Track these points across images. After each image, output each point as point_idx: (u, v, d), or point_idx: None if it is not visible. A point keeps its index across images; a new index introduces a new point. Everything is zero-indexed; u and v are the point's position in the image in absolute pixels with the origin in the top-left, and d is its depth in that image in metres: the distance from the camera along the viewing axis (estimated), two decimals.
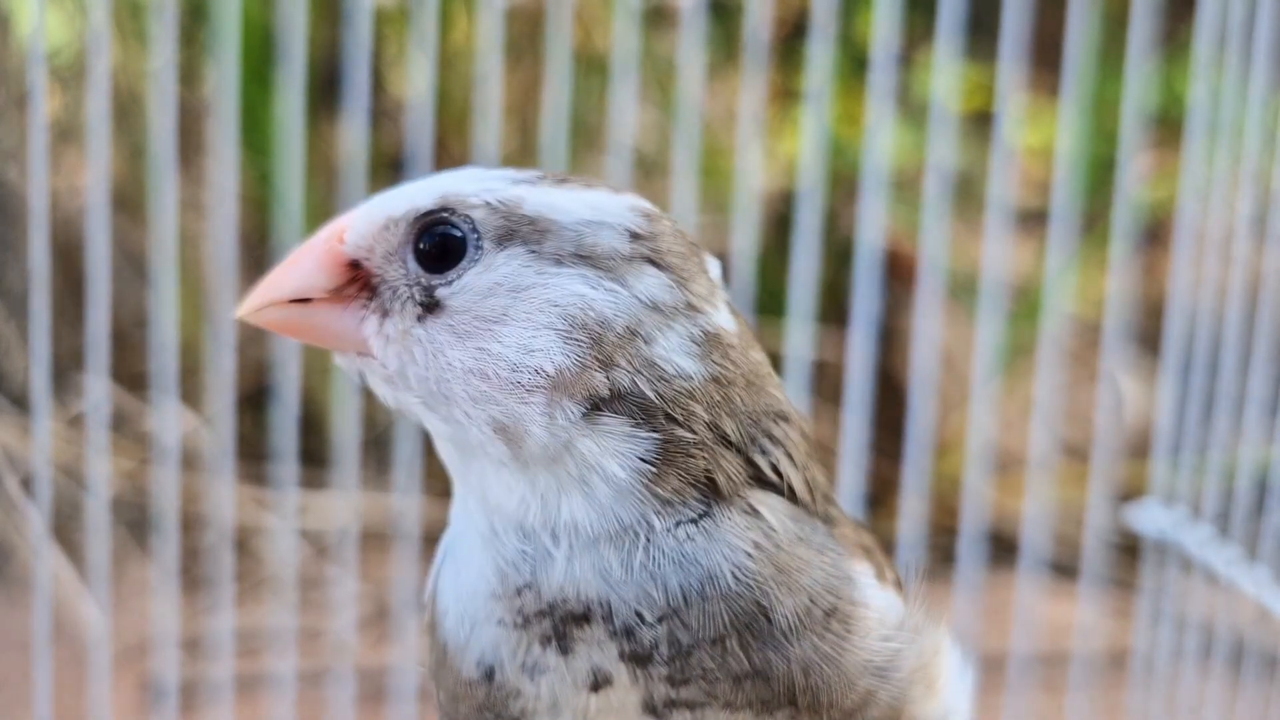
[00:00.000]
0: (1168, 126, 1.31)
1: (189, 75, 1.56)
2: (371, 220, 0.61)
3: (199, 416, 1.39)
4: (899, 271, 1.56)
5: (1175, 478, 1.11)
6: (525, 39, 1.61)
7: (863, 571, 0.61)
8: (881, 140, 1.12)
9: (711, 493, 0.58)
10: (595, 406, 0.58)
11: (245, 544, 1.47)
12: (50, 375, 1.04)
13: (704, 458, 0.58)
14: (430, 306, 0.59)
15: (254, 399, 1.35)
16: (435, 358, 0.59)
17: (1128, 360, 1.57)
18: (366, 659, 1.30)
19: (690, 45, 1.17)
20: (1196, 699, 1.09)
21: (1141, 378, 1.68)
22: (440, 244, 0.59)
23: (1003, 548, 1.29)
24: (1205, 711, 1.08)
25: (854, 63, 1.58)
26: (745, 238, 1.13)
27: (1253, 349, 1.05)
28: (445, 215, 0.59)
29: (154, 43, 1.15)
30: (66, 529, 1.26)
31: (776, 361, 1.30)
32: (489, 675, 0.60)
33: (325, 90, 1.43)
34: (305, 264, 0.60)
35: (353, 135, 1.09)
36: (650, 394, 0.58)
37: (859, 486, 1.13)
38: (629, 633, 0.58)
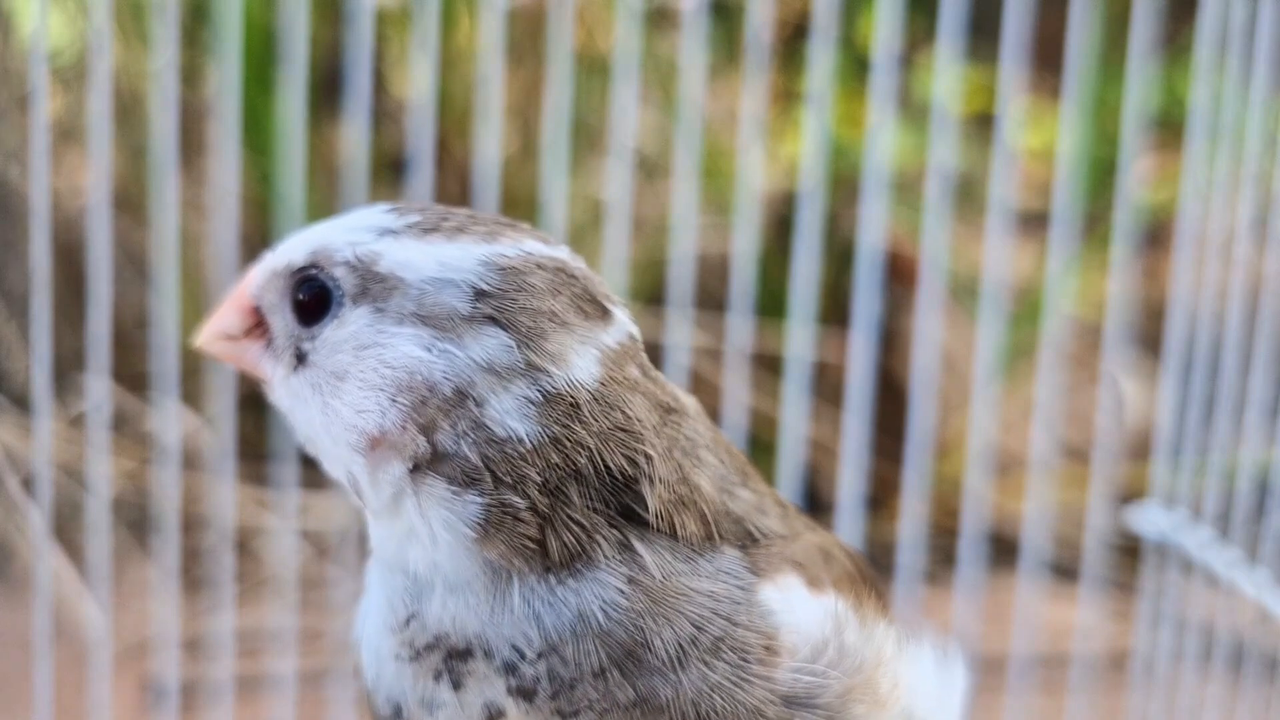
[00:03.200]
0: (1169, 129, 1.31)
1: (190, 76, 1.56)
2: (265, 270, 0.63)
3: (200, 417, 1.39)
4: (900, 273, 1.56)
5: (1176, 480, 1.11)
6: (527, 40, 1.61)
7: (783, 590, 0.61)
8: (883, 142, 1.12)
9: (543, 556, 0.58)
10: (419, 467, 0.58)
11: (246, 544, 1.47)
12: (51, 375, 1.04)
13: (536, 523, 0.58)
14: (300, 358, 0.61)
15: (255, 399, 1.34)
16: (302, 408, 0.61)
17: (1128, 362, 1.57)
18: None
19: (692, 46, 1.17)
20: (1197, 701, 1.09)
21: (1142, 380, 1.68)
22: (316, 296, 0.61)
23: (1003, 549, 1.29)
24: (1205, 714, 1.08)
25: (855, 64, 1.58)
26: (746, 239, 1.13)
27: (1253, 351, 1.05)
28: (314, 272, 0.61)
29: (156, 43, 1.15)
30: (67, 529, 1.26)
31: (777, 363, 1.30)
32: (397, 713, 0.61)
33: (327, 91, 1.43)
34: (226, 306, 0.64)
35: (354, 136, 1.09)
36: (475, 457, 0.57)
37: (859, 488, 1.13)
38: (511, 668, 0.58)
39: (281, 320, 0.62)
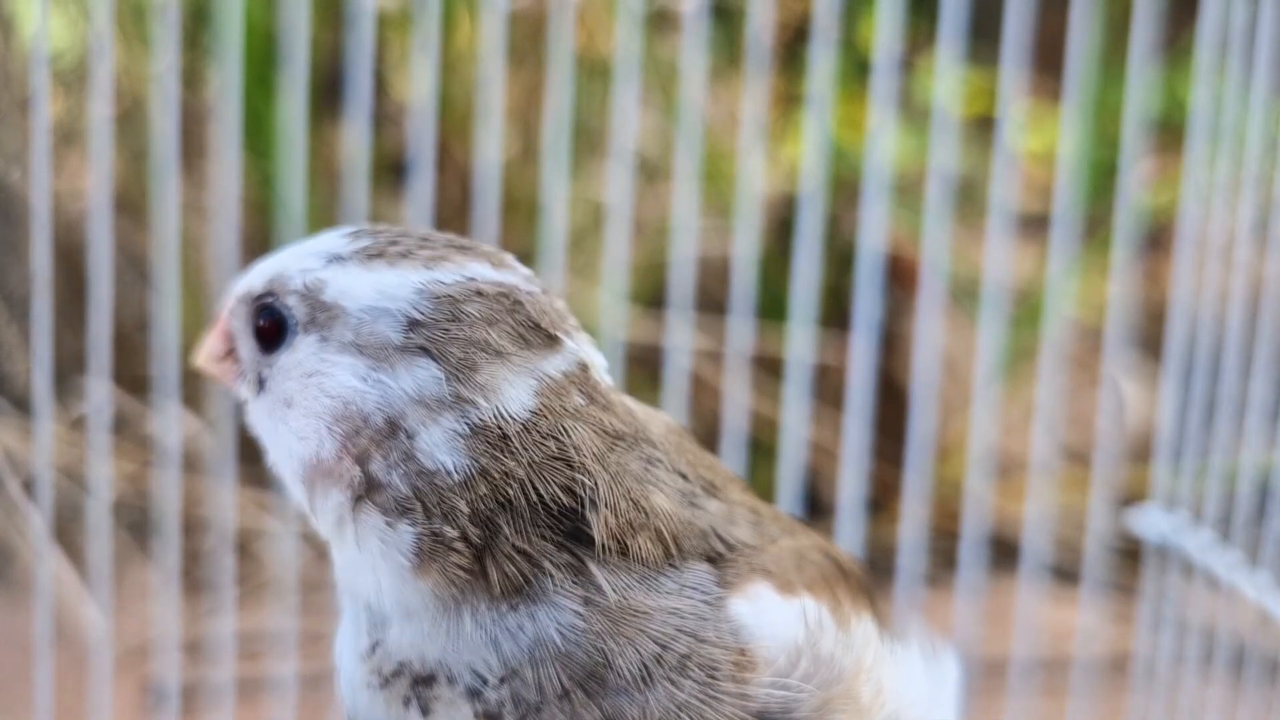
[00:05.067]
0: (1169, 131, 1.31)
1: (191, 78, 1.56)
2: (233, 295, 0.64)
3: (201, 419, 1.39)
4: (901, 276, 1.56)
5: (1177, 482, 1.11)
6: (527, 43, 1.61)
7: (753, 600, 0.60)
8: (883, 145, 1.12)
9: (486, 584, 0.58)
10: (359, 497, 0.58)
11: (246, 547, 1.47)
12: (52, 378, 1.04)
13: (470, 553, 0.58)
14: (260, 384, 0.62)
15: None
16: (262, 433, 0.63)
17: (1129, 365, 1.57)
18: None
19: (692, 49, 1.17)
20: (1198, 704, 1.08)
21: (1143, 382, 1.68)
22: (274, 324, 0.61)
23: (1004, 552, 1.29)
24: (1206, 716, 1.08)
25: (856, 67, 1.58)
26: (747, 242, 1.13)
27: (1254, 354, 1.05)
28: (270, 300, 0.61)
29: (157, 46, 1.15)
30: (68, 531, 1.26)
31: (778, 365, 1.30)
32: None
33: (328, 94, 1.43)
34: (213, 328, 0.65)
35: (355, 139, 1.09)
36: (406, 488, 0.58)
37: (860, 490, 1.13)
38: (476, 694, 0.58)
39: (246, 346, 0.63)
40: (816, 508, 1.43)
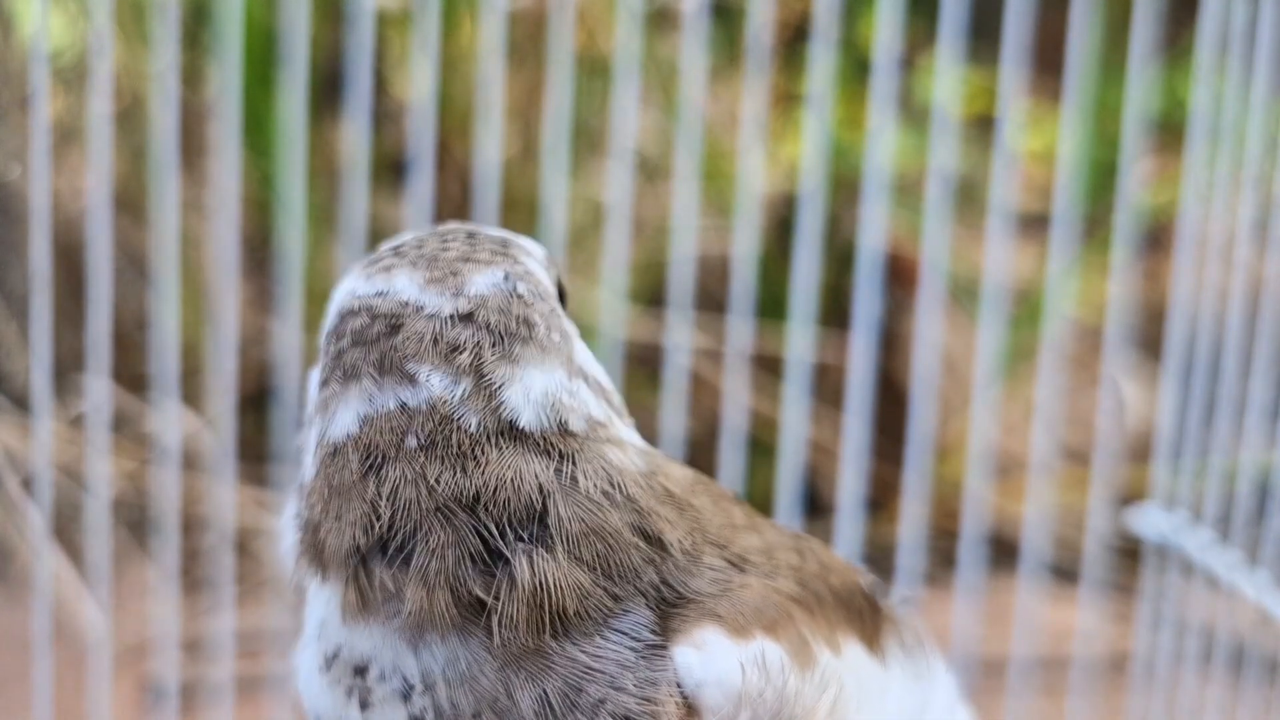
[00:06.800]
0: (1169, 131, 1.31)
1: (191, 77, 1.56)
2: None
3: (200, 417, 1.39)
4: (900, 275, 1.56)
5: (1176, 482, 1.11)
6: (528, 41, 1.61)
7: (699, 647, 0.59)
8: (883, 144, 1.12)
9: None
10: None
11: (246, 545, 1.47)
12: (51, 376, 1.04)
13: (313, 554, 0.62)
14: None
15: (255, 400, 1.35)
16: None
17: (1129, 364, 1.57)
18: None
19: (693, 48, 1.17)
20: (1197, 703, 1.08)
21: (1143, 382, 1.68)
22: None
23: (1003, 551, 1.29)
24: (1206, 716, 1.08)
25: (856, 66, 1.58)
26: (747, 241, 1.13)
27: (1254, 353, 1.05)
28: None
29: (157, 44, 1.15)
30: (67, 530, 1.26)
31: (777, 364, 1.30)
32: None
33: (328, 92, 1.43)
34: None
35: (355, 137, 1.09)
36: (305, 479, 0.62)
37: (860, 490, 1.13)
38: (406, 696, 0.58)
39: None
40: (816, 507, 1.43)
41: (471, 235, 0.63)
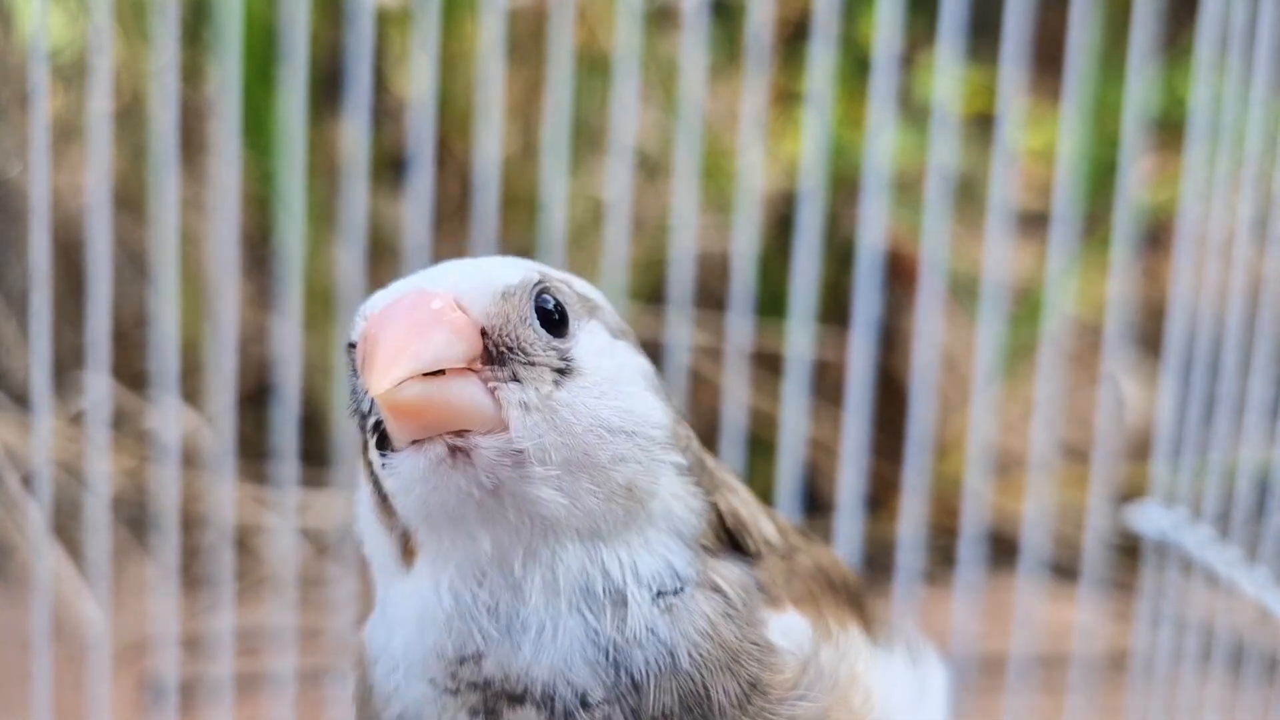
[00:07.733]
0: (1169, 129, 1.31)
1: (191, 74, 1.56)
2: (490, 290, 0.59)
3: (200, 415, 1.39)
4: (900, 273, 1.56)
5: (1176, 479, 1.11)
6: (528, 39, 1.61)
7: (782, 622, 0.62)
8: (883, 142, 1.12)
9: (733, 546, 0.63)
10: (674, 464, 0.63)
11: (245, 543, 1.47)
12: (51, 373, 1.04)
13: (731, 515, 0.65)
14: (564, 371, 0.59)
15: (255, 397, 1.35)
16: (579, 420, 0.59)
17: (1129, 362, 1.57)
18: None
19: (692, 46, 1.17)
20: (1196, 700, 1.08)
21: (1142, 380, 1.68)
22: (552, 311, 0.61)
23: (1003, 549, 1.29)
24: (1205, 713, 1.08)
25: (856, 64, 1.58)
26: (747, 238, 1.13)
27: (1253, 351, 1.05)
28: (545, 287, 0.61)
29: (156, 41, 1.15)
30: (67, 527, 1.26)
31: (777, 362, 1.30)
32: None
33: (327, 90, 1.43)
34: (437, 333, 0.57)
35: (355, 135, 1.09)
36: (694, 459, 0.64)
37: (859, 487, 1.13)
38: (568, 715, 0.58)
39: (531, 335, 0.59)
40: (816, 504, 1.43)
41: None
